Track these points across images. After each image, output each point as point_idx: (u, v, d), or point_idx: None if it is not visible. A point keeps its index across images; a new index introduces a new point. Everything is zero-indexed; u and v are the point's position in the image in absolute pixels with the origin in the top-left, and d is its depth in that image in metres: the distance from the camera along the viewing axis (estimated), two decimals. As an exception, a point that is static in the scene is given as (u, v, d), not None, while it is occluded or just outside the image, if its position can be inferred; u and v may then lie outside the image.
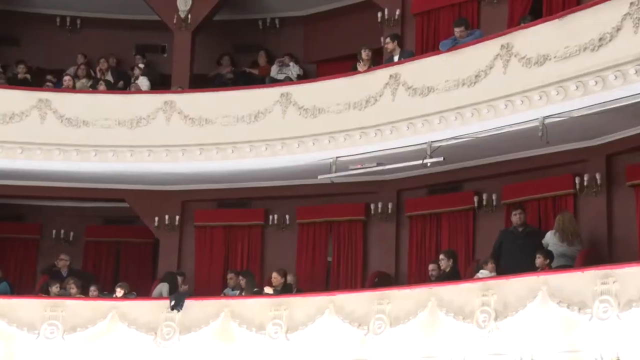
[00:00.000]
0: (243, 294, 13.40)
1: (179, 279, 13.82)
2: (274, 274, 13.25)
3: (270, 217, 14.96)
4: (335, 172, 13.36)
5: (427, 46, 13.99)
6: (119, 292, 13.46)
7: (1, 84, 14.82)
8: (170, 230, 15.04)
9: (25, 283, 14.92)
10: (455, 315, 11.46)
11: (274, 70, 15.23)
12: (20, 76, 15.33)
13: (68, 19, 16.45)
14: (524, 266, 11.43)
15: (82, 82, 15.13)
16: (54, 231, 15.86)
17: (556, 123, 11.52)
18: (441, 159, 12.52)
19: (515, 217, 12.40)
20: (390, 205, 14.20)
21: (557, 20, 11.53)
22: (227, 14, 15.98)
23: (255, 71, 15.65)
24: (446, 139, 12.41)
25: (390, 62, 13.25)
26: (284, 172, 14.13)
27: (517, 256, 11.81)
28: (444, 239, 13.72)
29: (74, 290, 13.52)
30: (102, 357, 12.98)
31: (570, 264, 11.63)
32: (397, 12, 14.45)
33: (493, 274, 11.77)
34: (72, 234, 15.91)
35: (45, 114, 14.11)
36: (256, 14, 16.25)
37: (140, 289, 14.31)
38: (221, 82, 15.31)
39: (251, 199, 15.09)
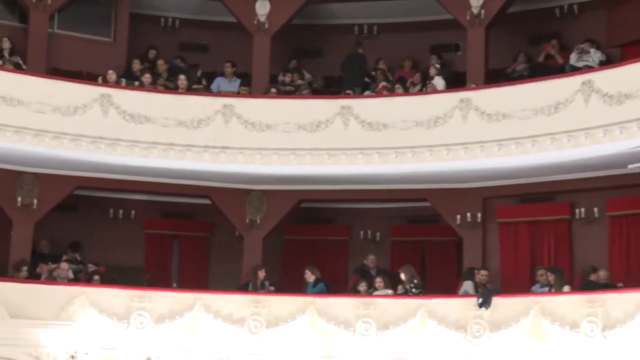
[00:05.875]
0: (552, 290, 12.39)
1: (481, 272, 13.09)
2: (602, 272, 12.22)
3: (577, 210, 13.76)
4: (647, 160, 12.05)
5: None
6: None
7: (307, 94, 14.83)
8: (473, 227, 14.22)
9: (337, 282, 14.69)
10: None
11: (573, 58, 13.80)
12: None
13: (365, 27, 16.13)
14: None
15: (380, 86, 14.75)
16: (361, 232, 15.57)
17: None
18: None
19: None
20: None
21: None
22: (521, 4, 14.83)
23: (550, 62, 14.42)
24: None
25: None
26: (589, 163, 12.92)
27: None
28: None
29: (381, 285, 13.19)
30: (414, 354, 12.55)
31: None
32: None
33: None
34: (378, 234, 15.53)
35: (348, 120, 13.84)
36: (553, 2, 14.95)
37: (446, 287, 13.64)
38: (517, 75, 14.25)
39: (555, 193, 13.95)
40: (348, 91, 14.76)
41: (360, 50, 15.47)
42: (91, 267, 14.06)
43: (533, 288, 12.93)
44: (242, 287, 13.68)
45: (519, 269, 13.94)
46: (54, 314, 12.72)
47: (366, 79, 15.04)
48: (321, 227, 15.78)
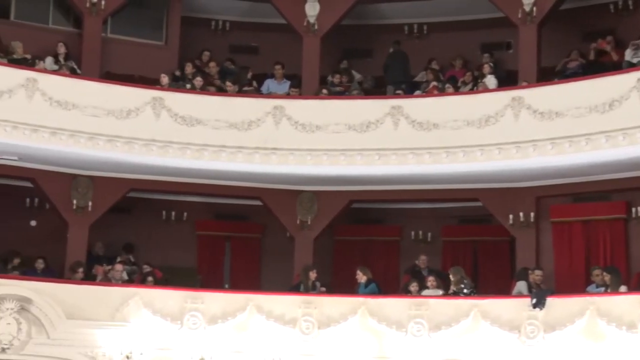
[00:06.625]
0: (609, 290, 12.11)
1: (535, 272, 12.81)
2: None
3: (633, 209, 13.44)
4: None
5: None
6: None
7: (357, 95, 14.72)
8: (526, 227, 13.95)
9: (389, 283, 14.57)
10: None
11: (627, 54, 13.43)
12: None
13: (415, 26, 15.96)
14: None
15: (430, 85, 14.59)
16: (412, 232, 15.43)
17: None
18: None
19: None
20: None
21: None
22: (574, 1, 14.49)
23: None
24: None
25: None
26: (647, 162, 12.59)
27: None
28: None
29: (433, 284, 13.04)
30: (466, 354, 12.35)
31: None
32: None
33: None
34: (429, 234, 15.38)
35: (398, 120, 13.69)
36: (608, -2, 14.78)
37: (499, 287, 13.44)
38: (571, 73, 13.97)
39: (610, 192, 13.63)
40: (398, 91, 14.62)
41: (401, 49, 15.25)
42: (146, 269, 14.16)
43: (588, 288, 12.63)
44: (294, 287, 13.63)
45: (574, 269, 13.66)
46: (109, 314, 12.81)
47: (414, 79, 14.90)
48: (372, 228, 15.67)
